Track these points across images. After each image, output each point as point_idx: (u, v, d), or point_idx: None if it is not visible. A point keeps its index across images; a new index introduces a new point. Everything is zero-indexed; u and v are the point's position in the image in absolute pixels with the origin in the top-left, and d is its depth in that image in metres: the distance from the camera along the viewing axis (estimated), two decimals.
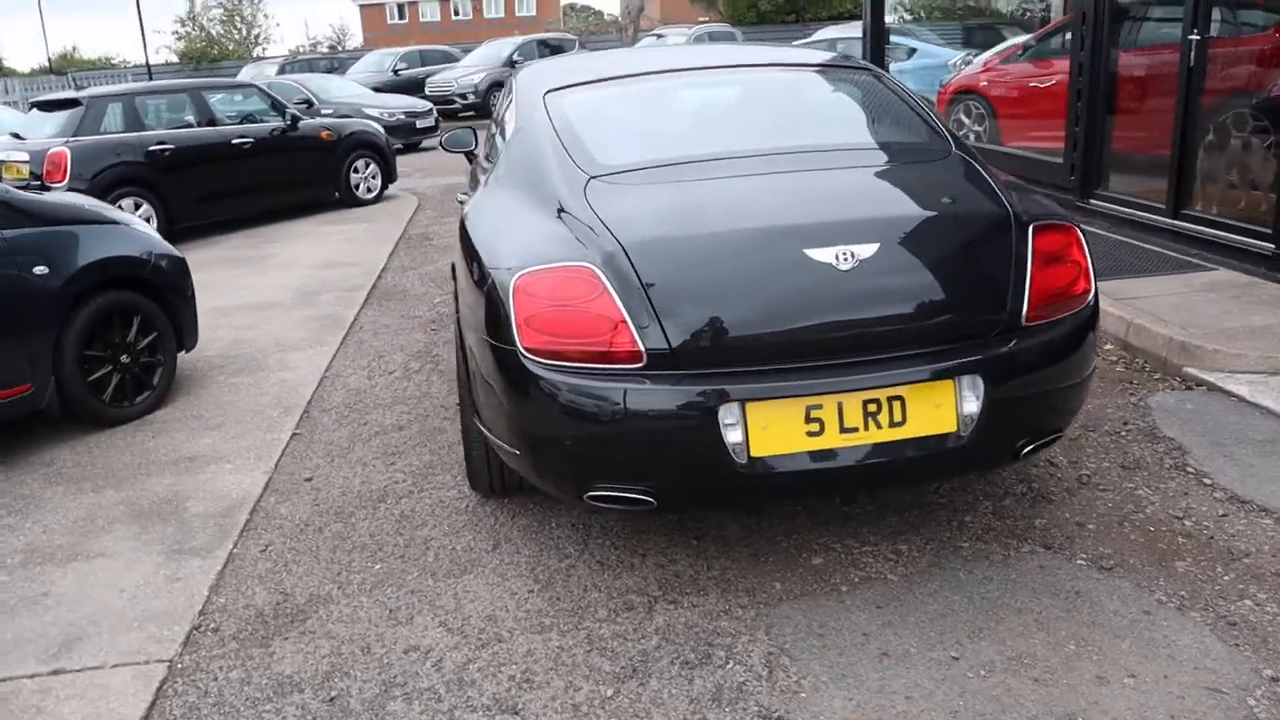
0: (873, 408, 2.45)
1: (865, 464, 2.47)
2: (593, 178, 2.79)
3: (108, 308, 4.11)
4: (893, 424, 2.46)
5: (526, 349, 2.51)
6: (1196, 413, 3.74)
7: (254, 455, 3.83)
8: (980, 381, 2.50)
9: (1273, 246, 4.96)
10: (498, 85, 19.91)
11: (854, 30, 20.88)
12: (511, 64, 20.37)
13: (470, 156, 4.94)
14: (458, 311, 3.42)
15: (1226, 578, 2.71)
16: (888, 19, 10.66)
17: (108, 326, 4.13)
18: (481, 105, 19.35)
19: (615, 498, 2.53)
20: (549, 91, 3.43)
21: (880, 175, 2.88)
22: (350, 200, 9.92)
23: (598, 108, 3.30)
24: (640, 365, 2.42)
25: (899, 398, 2.46)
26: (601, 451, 2.49)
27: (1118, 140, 6.46)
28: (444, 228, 8.61)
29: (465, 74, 19.77)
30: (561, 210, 2.73)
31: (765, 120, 3.25)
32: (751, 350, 2.44)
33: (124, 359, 4.20)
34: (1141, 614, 2.57)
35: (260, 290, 6.61)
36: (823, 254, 2.43)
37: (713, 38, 21.66)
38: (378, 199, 10.16)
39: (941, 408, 2.48)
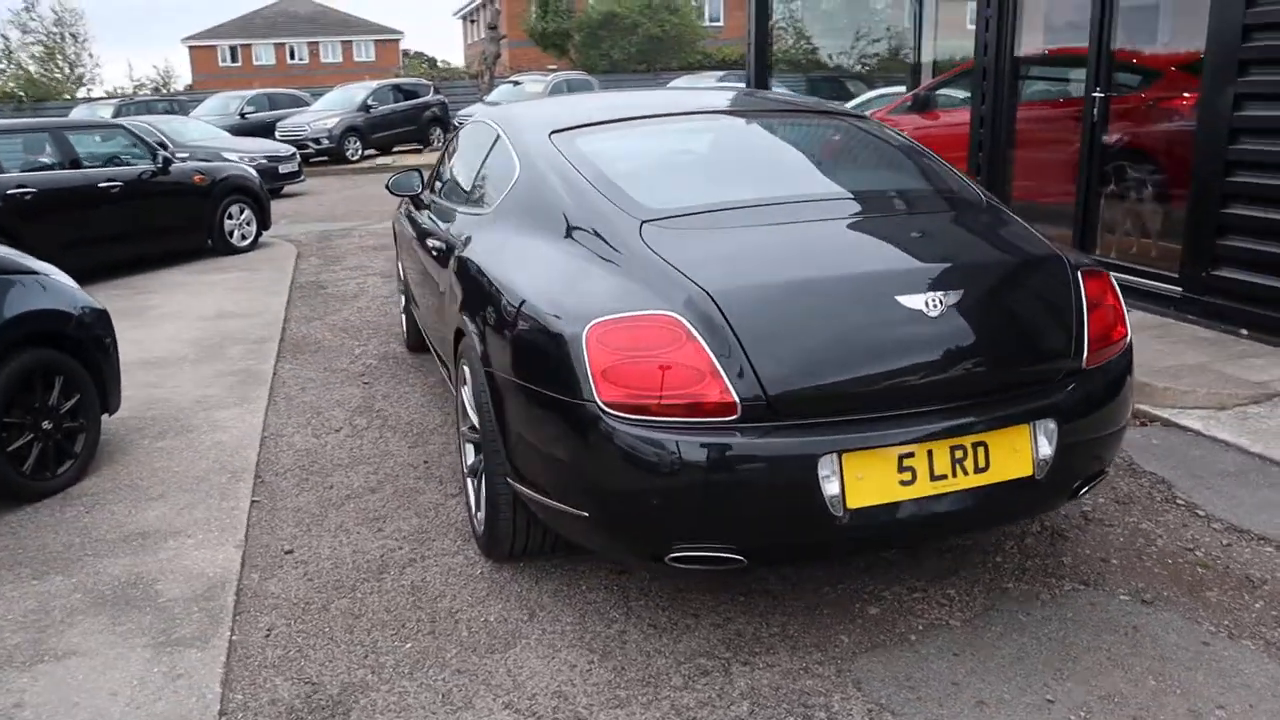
0: (960, 454, 2.42)
1: (954, 511, 2.44)
2: (645, 222, 2.68)
3: (27, 368, 3.63)
4: (977, 470, 2.44)
5: (606, 404, 2.35)
6: (1164, 448, 3.94)
7: (216, 527, 3.44)
8: (1053, 425, 2.52)
9: (1180, 289, 5.35)
10: (352, 130, 19.37)
11: (707, 80, 21.61)
12: (367, 109, 19.87)
13: (417, 201, 4.71)
14: (453, 364, 3.20)
15: (1257, 605, 2.83)
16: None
17: (27, 389, 3.64)
18: (336, 150, 18.75)
19: (701, 558, 2.39)
20: (555, 133, 3.30)
21: (942, 222, 2.88)
22: (224, 248, 9.30)
23: (615, 150, 3.19)
24: (734, 417, 2.31)
25: (983, 444, 2.44)
26: (689, 510, 2.35)
27: (1019, 190, 6.85)
28: (334, 276, 8.20)
29: (318, 118, 19.09)
30: (615, 256, 2.60)
31: (791, 164, 3.23)
32: (847, 399, 2.37)
33: (45, 425, 3.70)
34: (1200, 645, 2.63)
35: (153, 344, 6.04)
36: (914, 300, 2.40)
37: (570, 86, 21.81)
38: (252, 246, 9.57)
39: (1019, 452, 2.49)
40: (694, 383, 2.31)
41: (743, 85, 13.69)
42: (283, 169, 13.67)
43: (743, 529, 2.36)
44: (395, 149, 20.89)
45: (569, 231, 2.80)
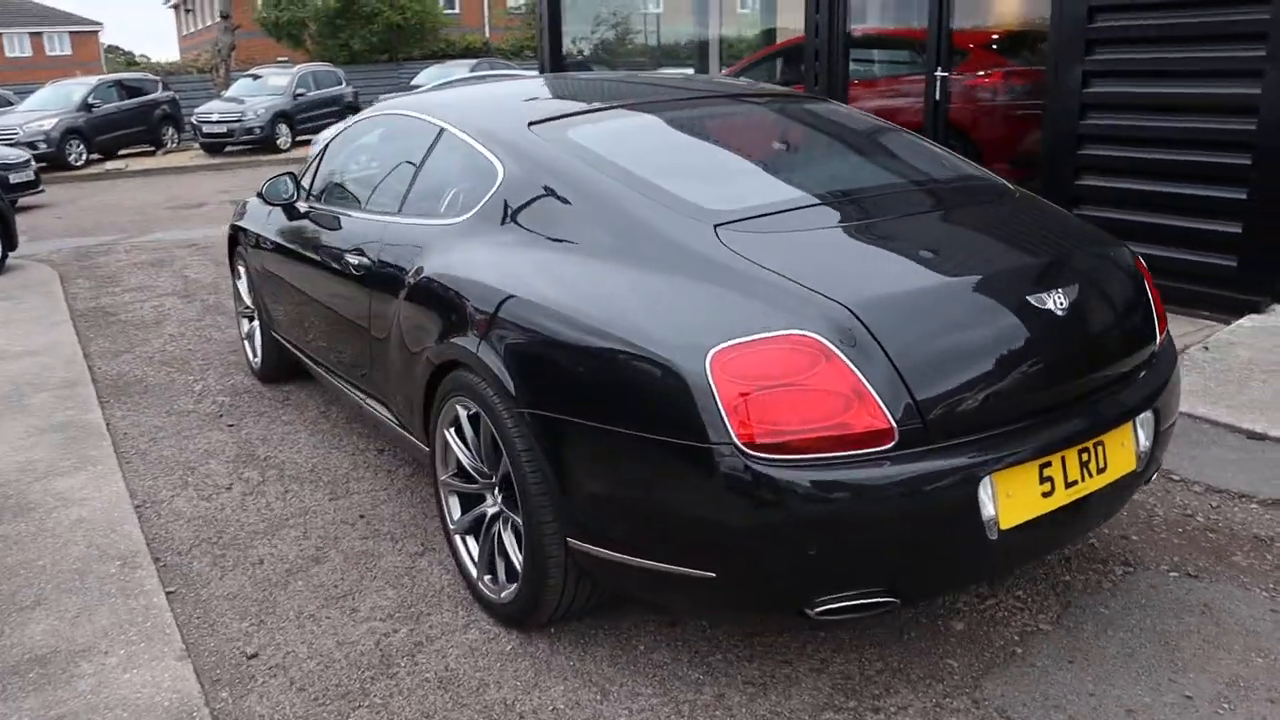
0: (1085, 457, 2.27)
1: (1081, 517, 2.29)
2: (719, 225, 2.31)
3: None
4: (1099, 471, 2.30)
5: (745, 444, 1.98)
6: None
7: (138, 636, 2.70)
8: (1149, 415, 2.43)
9: None
10: (73, 132, 17.08)
11: (459, 70, 20.77)
12: (88, 107, 17.54)
13: (291, 211, 4.02)
14: (423, 404, 2.70)
15: None
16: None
17: None
18: (56, 155, 16.40)
19: (851, 606, 2.09)
20: (535, 124, 2.84)
21: (1009, 213, 2.68)
22: None
23: (619, 143, 2.78)
24: (890, 444, 2.01)
25: (1101, 443, 2.31)
26: (843, 554, 2.03)
27: None
28: (120, 300, 7.04)
29: (32, 119, 16.62)
30: (694, 266, 2.22)
31: (813, 154, 2.94)
32: (995, 412, 2.14)
33: None
34: (1270, 614, 2.66)
35: None
36: (1043, 299, 2.22)
37: (317, 79, 20.29)
38: None
39: (1126, 448, 2.38)
40: (843, 410, 1.99)
41: (539, 72, 13.34)
42: (14, 178, 11.63)
43: (898, 567, 2.08)
44: (121, 152, 18.61)
45: (613, 239, 2.38)
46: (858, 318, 2.04)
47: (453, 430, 2.77)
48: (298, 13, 27.68)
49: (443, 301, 2.71)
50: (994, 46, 6.55)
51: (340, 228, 3.54)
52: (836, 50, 7.02)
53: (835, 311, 2.04)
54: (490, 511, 2.72)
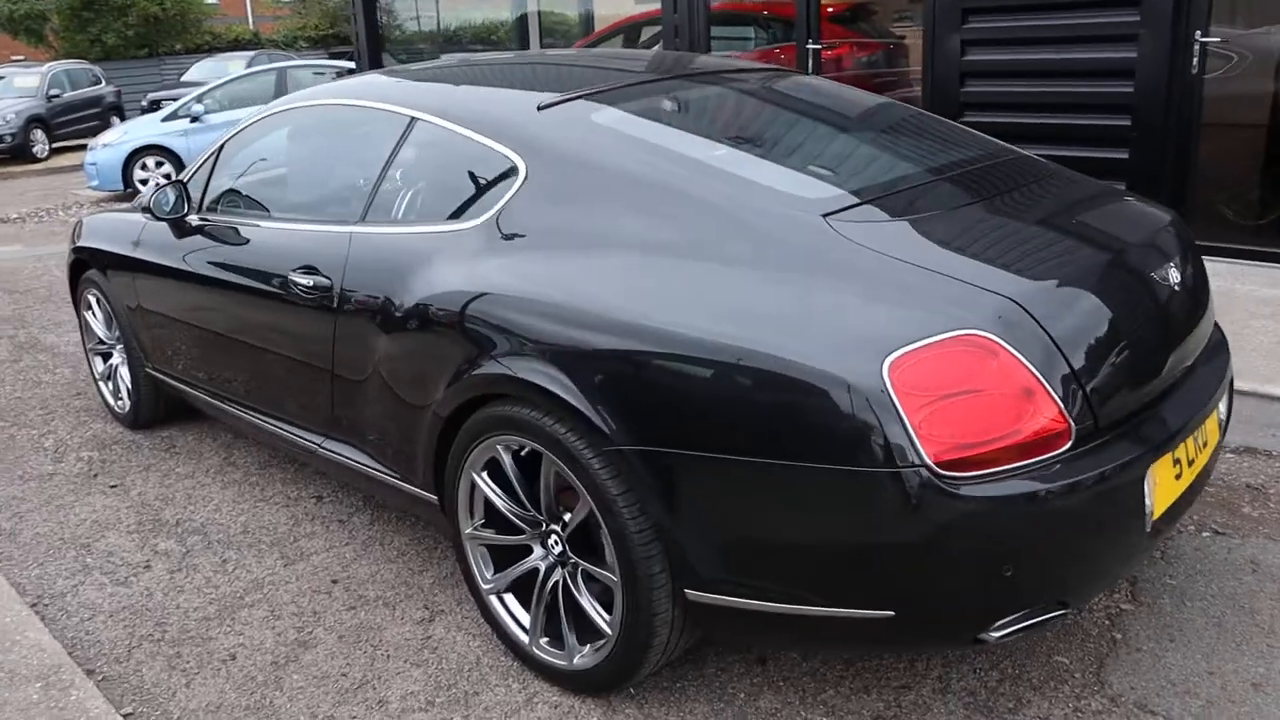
0: (1198, 435, 2.19)
1: (1193, 494, 2.21)
2: (828, 215, 2.03)
3: None
4: (1204, 445, 2.23)
5: (936, 464, 1.73)
6: None
7: None
8: (1227, 386, 2.40)
9: None
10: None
11: (236, 64, 19.09)
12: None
13: (180, 227, 3.38)
14: (432, 448, 2.29)
15: None
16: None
17: None
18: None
19: (1030, 625, 1.90)
20: (545, 108, 2.46)
21: (1071, 187, 2.50)
22: None
23: (656, 127, 2.43)
24: (1068, 445, 1.83)
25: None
26: (1029, 571, 1.83)
27: None
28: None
29: None
30: (816, 263, 1.93)
31: (861, 134, 2.67)
32: (1142, 397, 2.00)
33: None
34: None
35: None
36: (1165, 275, 2.11)
37: (71, 78, 18.01)
38: None
39: (1214, 417, 2.32)
40: (1024, 414, 1.78)
41: (356, 66, 12.49)
42: None
43: (1074, 574, 1.90)
44: None
45: (698, 239, 2.05)
46: (1025, 310, 1.83)
47: (485, 474, 2.36)
48: (36, 4, 24.50)
49: (468, 326, 2.28)
50: (862, 17, 6.59)
51: (263, 243, 2.98)
52: (698, 25, 6.85)
53: (1000, 305, 1.83)
54: (544, 565, 2.34)
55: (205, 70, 18.07)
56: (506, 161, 2.38)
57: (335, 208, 2.85)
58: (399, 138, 2.67)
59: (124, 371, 4.11)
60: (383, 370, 2.55)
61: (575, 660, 2.27)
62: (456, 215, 2.46)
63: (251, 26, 29.77)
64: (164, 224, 3.45)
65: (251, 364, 3.15)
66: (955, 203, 2.19)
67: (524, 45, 10.07)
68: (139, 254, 3.61)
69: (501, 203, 2.35)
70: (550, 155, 2.32)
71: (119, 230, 3.80)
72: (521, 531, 2.36)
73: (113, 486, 3.67)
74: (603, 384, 2.02)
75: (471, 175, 2.48)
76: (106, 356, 4.24)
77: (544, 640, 2.35)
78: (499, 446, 2.28)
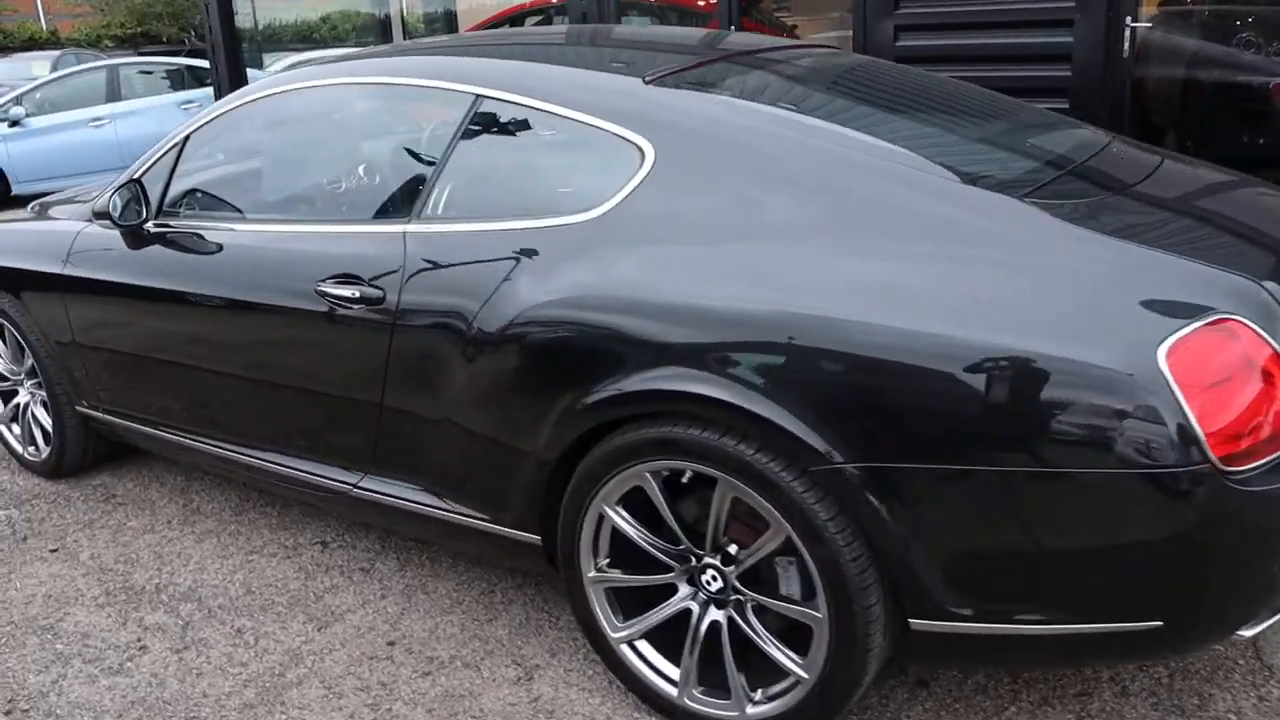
0: None
1: None
2: (1027, 195, 1.84)
3: None
4: None
5: (1220, 458, 1.57)
6: None
7: None
8: None
9: None
10: None
11: (40, 65, 17.14)
12: None
13: (137, 236, 2.84)
14: (540, 487, 1.96)
15: None
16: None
17: None
18: None
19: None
20: (652, 81, 2.16)
21: (1199, 172, 2.42)
22: None
23: (777, 103, 2.17)
24: None
25: None
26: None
27: None
28: None
29: None
30: (1031, 244, 1.75)
31: (966, 113, 2.47)
32: None
33: None
34: None
35: None
36: None
37: None
38: None
39: None
40: (1276, 399, 1.66)
41: (197, 63, 11.55)
42: None
43: None
44: None
45: (888, 223, 1.81)
46: (1269, 291, 1.71)
47: (621, 508, 2.04)
48: None
49: (596, 335, 1.95)
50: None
51: (268, 251, 2.52)
52: (609, 12, 6.57)
53: (1246, 288, 1.69)
54: (696, 605, 2.04)
55: (4, 71, 16.19)
56: (623, 142, 2.06)
57: (373, 204, 2.44)
58: (461, 120, 2.29)
59: (39, 412, 3.46)
60: (463, 394, 2.18)
61: (749, 710, 1.99)
62: (559, 206, 2.12)
63: (44, 25, 26.96)
64: (106, 234, 2.89)
65: (249, 397, 2.67)
66: (1120, 187, 2.05)
67: (386, 39, 9.51)
68: (72, 271, 3.02)
69: (626, 190, 2.03)
70: (683, 134, 2.02)
71: (37, 243, 3.17)
72: (667, 569, 2.05)
73: (53, 550, 3.06)
74: (809, 395, 1.75)
75: (574, 159, 2.15)
76: (9, 396, 3.57)
77: (698, 690, 2.06)
78: (648, 474, 1.97)
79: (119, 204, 2.74)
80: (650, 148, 2.03)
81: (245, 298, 2.56)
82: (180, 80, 10.23)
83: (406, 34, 9.44)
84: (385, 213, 2.40)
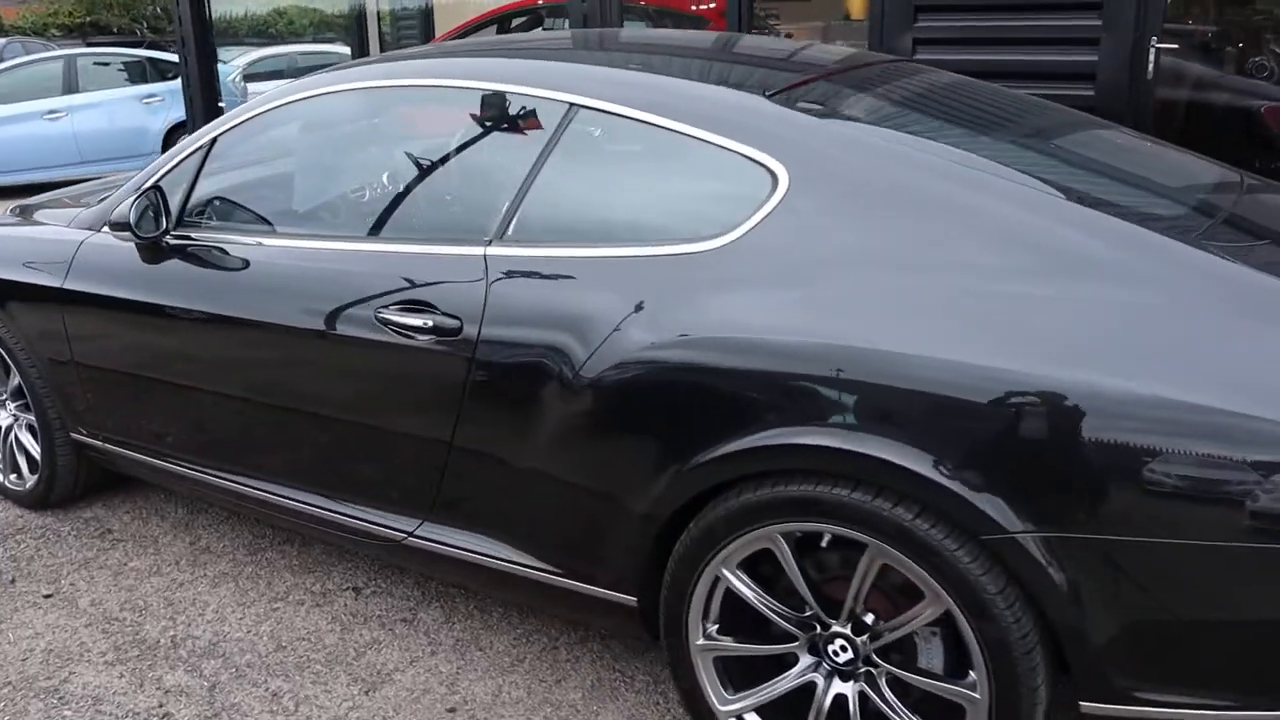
0: None
1: None
2: (1201, 234, 1.69)
3: None
4: None
5: None
6: None
7: None
8: None
9: None
10: None
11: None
12: None
13: (155, 249, 2.55)
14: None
15: None
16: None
17: None
18: None
19: None
20: (773, 96, 1.96)
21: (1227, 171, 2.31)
22: None
23: (901, 127, 1.98)
24: None
25: None
26: None
27: None
28: None
29: None
30: (1220, 282, 1.59)
31: (1048, 134, 2.32)
32: None
33: None
34: None
35: None
36: None
37: None
38: None
39: None
40: None
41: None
42: None
43: None
44: None
45: (1057, 264, 1.63)
46: None
47: (740, 571, 1.83)
48: None
49: (725, 380, 1.74)
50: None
51: (315, 271, 2.26)
52: (611, 16, 6.36)
53: None
54: (821, 677, 1.84)
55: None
56: (750, 164, 1.85)
57: (439, 221, 2.20)
58: (554, 131, 2.05)
59: (24, 436, 3.14)
60: (556, 439, 1.95)
61: None
62: (673, 233, 1.90)
63: None
64: (117, 245, 2.60)
65: (281, 430, 2.41)
66: (1234, 207, 1.92)
67: (362, 34, 9.21)
68: (74, 285, 2.71)
69: (757, 217, 1.82)
70: (828, 158, 1.81)
71: (30, 252, 2.86)
72: (789, 638, 1.84)
73: (47, 596, 2.75)
74: (984, 457, 1.56)
75: (690, 180, 1.94)
76: None
77: None
78: (779, 535, 1.76)
79: (138, 214, 2.45)
80: (784, 171, 1.82)
81: (284, 321, 2.29)
82: (142, 73, 9.75)
83: (381, 31, 9.14)
84: (456, 231, 2.16)
